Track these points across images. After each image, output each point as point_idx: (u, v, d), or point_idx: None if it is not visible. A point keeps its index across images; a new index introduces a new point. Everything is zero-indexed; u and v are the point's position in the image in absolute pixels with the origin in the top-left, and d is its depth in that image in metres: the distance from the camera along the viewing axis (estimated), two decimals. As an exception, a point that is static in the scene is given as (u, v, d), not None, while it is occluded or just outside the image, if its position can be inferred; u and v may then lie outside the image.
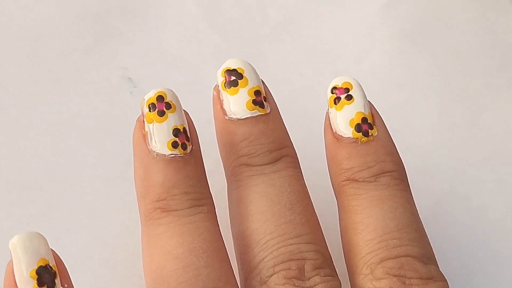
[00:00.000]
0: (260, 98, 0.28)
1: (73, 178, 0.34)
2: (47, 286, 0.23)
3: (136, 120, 0.28)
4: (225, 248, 0.26)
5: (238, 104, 0.28)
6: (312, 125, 0.36)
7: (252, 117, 0.28)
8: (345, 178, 0.27)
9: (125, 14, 0.39)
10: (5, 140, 0.35)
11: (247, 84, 0.28)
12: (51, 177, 0.34)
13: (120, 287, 0.31)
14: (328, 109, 0.29)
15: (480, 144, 0.36)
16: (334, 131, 0.28)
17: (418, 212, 0.28)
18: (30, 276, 0.23)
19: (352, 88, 0.28)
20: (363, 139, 0.28)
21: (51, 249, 0.24)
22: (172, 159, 0.26)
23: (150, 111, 0.27)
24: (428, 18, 0.41)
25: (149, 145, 0.27)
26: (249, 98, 0.28)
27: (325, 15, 0.40)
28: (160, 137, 0.26)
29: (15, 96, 0.36)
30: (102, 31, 0.39)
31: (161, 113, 0.27)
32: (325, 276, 0.25)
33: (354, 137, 0.28)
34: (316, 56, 0.39)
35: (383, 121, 0.28)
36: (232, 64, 0.28)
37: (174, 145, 0.26)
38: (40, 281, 0.23)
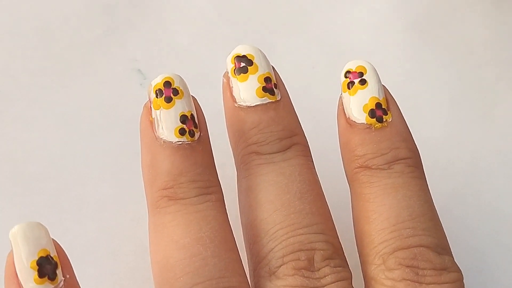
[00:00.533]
0: (271, 85, 0.27)
1: (81, 170, 0.34)
2: (48, 277, 0.22)
3: (143, 106, 0.27)
4: (233, 237, 0.26)
5: (248, 91, 0.27)
6: (324, 117, 0.35)
7: (262, 104, 0.27)
8: (358, 165, 0.27)
9: (135, 5, 0.39)
10: (13, 131, 0.34)
11: (257, 70, 0.27)
12: (59, 169, 0.34)
13: (128, 279, 0.31)
14: (341, 94, 0.28)
15: (492, 137, 0.36)
16: (347, 116, 0.28)
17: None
18: (31, 267, 0.22)
19: (366, 72, 0.28)
20: (377, 125, 0.27)
21: (53, 239, 0.23)
22: (179, 147, 0.26)
23: (157, 97, 0.26)
24: (441, 10, 0.40)
25: (156, 132, 0.26)
26: (259, 85, 0.27)
27: (337, 7, 0.40)
28: (167, 124, 0.26)
29: (24, 88, 0.36)
30: (112, 23, 0.38)
31: (169, 99, 0.26)
32: (335, 267, 0.25)
33: (368, 123, 0.27)
34: (328, 49, 0.39)
35: (398, 106, 0.28)
36: (242, 50, 0.28)
37: (182, 132, 0.26)
38: (41, 272, 0.22)
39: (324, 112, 0.35)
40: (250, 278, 0.26)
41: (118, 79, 0.37)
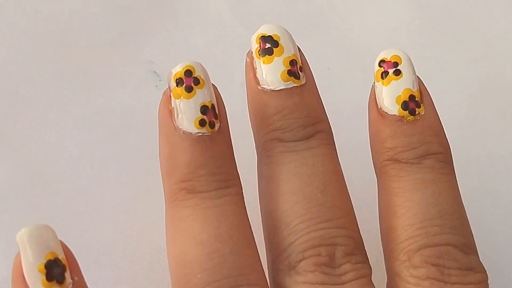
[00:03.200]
0: (296, 68, 0.27)
1: (98, 172, 0.34)
2: (57, 281, 0.22)
3: (163, 94, 0.26)
4: (252, 232, 0.25)
5: (272, 74, 0.26)
6: (339, 119, 0.35)
7: (287, 88, 0.26)
8: (388, 157, 0.26)
9: (151, 8, 0.39)
10: (31, 133, 0.35)
11: (282, 52, 0.26)
12: (77, 170, 0.34)
13: (144, 281, 0.31)
14: (374, 83, 0.27)
15: (510, 137, 0.36)
16: (379, 106, 0.27)
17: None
18: (39, 271, 0.22)
19: (401, 62, 0.27)
20: (409, 118, 0.26)
21: (60, 241, 0.23)
22: (199, 138, 0.25)
23: (177, 86, 0.25)
24: (459, 8, 0.40)
25: (175, 122, 0.25)
26: (284, 68, 0.26)
27: (353, 8, 0.40)
28: (187, 114, 0.25)
29: (41, 90, 0.36)
30: (129, 25, 0.38)
31: (189, 89, 0.25)
32: (355, 264, 0.25)
33: (400, 115, 0.26)
34: (344, 50, 0.39)
35: (431, 99, 0.27)
36: (268, 30, 0.27)
37: (202, 123, 0.25)
38: (49, 276, 0.22)
39: (340, 113, 0.34)
40: (268, 269, 0.26)
41: (134, 81, 0.37)
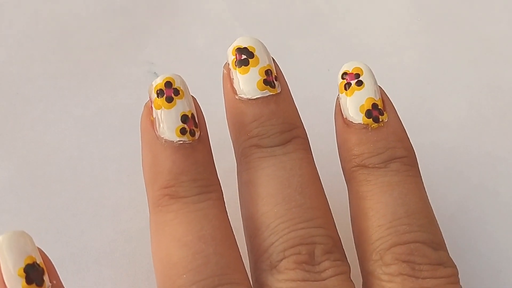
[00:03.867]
0: (271, 78, 0.28)
1: (98, 172, 0.34)
2: (36, 284, 0.22)
3: (144, 106, 0.27)
4: (233, 235, 0.26)
5: (248, 83, 0.27)
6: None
7: (263, 97, 0.27)
8: (355, 164, 0.27)
9: (152, 8, 0.39)
10: (31, 134, 0.35)
11: (258, 63, 0.28)
12: (76, 171, 0.34)
13: (144, 281, 0.31)
14: (338, 95, 0.29)
15: (510, 138, 0.36)
16: (344, 117, 0.28)
17: (429, 199, 0.27)
18: (18, 275, 0.22)
19: (362, 73, 0.28)
20: (373, 125, 0.27)
21: (37, 247, 0.23)
22: (181, 146, 0.26)
23: (158, 97, 0.27)
24: (458, 9, 0.40)
25: (157, 132, 0.26)
26: (260, 77, 0.27)
27: (353, 8, 0.40)
28: (168, 123, 0.26)
29: (41, 90, 0.36)
30: (129, 25, 0.39)
31: (170, 99, 0.26)
32: (334, 261, 0.25)
33: (365, 123, 0.27)
34: (344, 50, 0.39)
35: (393, 107, 0.28)
36: (243, 42, 0.28)
37: (183, 131, 0.26)
38: (28, 279, 0.22)
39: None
40: (250, 270, 0.27)
41: (134, 81, 0.37)
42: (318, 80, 0.38)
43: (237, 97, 0.28)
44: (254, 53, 0.28)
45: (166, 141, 0.26)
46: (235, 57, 0.28)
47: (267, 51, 0.28)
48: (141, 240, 0.32)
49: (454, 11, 0.40)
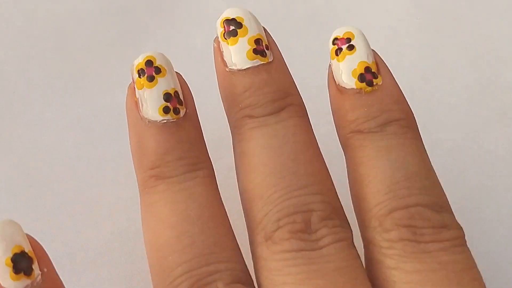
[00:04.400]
0: (262, 47, 0.27)
1: (95, 172, 0.34)
2: (24, 273, 0.22)
3: (128, 88, 0.27)
4: (224, 212, 0.25)
5: (238, 54, 0.27)
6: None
7: (254, 67, 0.27)
8: (350, 130, 0.26)
9: (150, 8, 0.39)
10: (28, 133, 0.35)
11: (246, 33, 0.27)
12: (74, 171, 0.34)
13: (141, 281, 0.31)
14: (330, 62, 0.28)
15: (510, 137, 0.35)
16: (337, 83, 0.27)
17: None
18: (6, 264, 0.22)
19: (354, 37, 0.27)
20: (367, 89, 0.26)
21: (27, 234, 0.23)
22: (164, 125, 0.26)
23: (139, 77, 0.26)
24: (458, 8, 0.40)
25: (141, 112, 0.26)
26: (250, 47, 0.27)
27: (352, 8, 0.40)
28: (151, 103, 0.26)
29: (39, 90, 0.36)
30: (127, 25, 0.38)
31: (151, 78, 0.26)
32: (333, 228, 0.24)
33: (358, 87, 0.26)
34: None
35: (388, 69, 0.27)
36: (231, 14, 0.27)
37: (166, 110, 0.26)
38: (16, 268, 0.22)
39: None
40: (249, 245, 0.26)
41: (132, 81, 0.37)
42: (318, 79, 0.37)
43: (227, 69, 0.27)
44: (243, 23, 0.27)
45: (149, 121, 0.26)
46: (223, 29, 0.27)
47: (257, 21, 0.27)
48: (138, 240, 0.31)
49: (453, 11, 0.40)
